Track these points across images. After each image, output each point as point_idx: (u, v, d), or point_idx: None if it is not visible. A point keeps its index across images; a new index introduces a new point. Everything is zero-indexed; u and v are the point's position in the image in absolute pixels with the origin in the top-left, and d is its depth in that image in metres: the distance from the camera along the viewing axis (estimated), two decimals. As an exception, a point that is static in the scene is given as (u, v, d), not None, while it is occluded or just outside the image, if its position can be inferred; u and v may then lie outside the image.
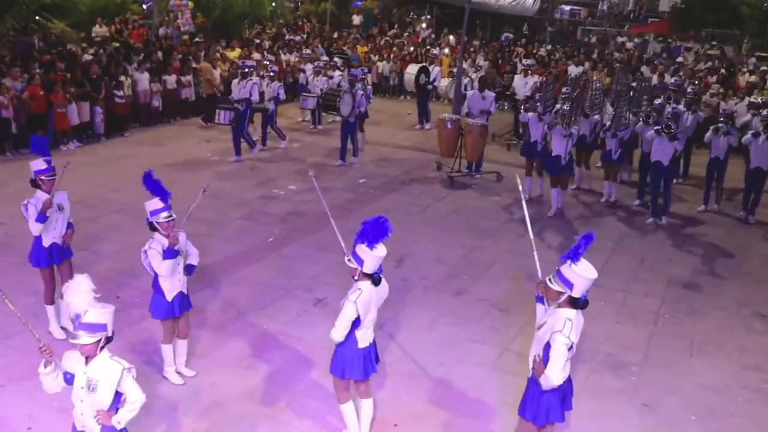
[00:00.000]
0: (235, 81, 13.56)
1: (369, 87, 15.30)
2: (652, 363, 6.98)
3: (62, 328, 6.68)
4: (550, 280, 4.55)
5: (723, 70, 20.69)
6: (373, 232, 4.84)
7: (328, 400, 5.95)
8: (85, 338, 4.00)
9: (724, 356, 7.21)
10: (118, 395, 4.07)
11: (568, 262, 4.45)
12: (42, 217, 6.35)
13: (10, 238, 8.88)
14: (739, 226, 11.45)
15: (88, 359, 4.07)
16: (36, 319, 6.47)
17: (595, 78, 16.19)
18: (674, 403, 6.33)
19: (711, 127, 11.87)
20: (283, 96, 15.04)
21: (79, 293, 4.08)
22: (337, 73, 16.51)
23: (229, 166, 13.03)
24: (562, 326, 4.40)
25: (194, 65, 16.97)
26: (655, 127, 10.89)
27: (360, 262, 4.89)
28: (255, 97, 13.42)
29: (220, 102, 13.65)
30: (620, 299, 8.34)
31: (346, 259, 5.01)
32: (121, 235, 9.15)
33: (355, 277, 4.98)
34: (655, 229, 10.96)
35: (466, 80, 17.31)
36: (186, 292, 6.09)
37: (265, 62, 16.26)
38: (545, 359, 4.51)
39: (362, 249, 4.86)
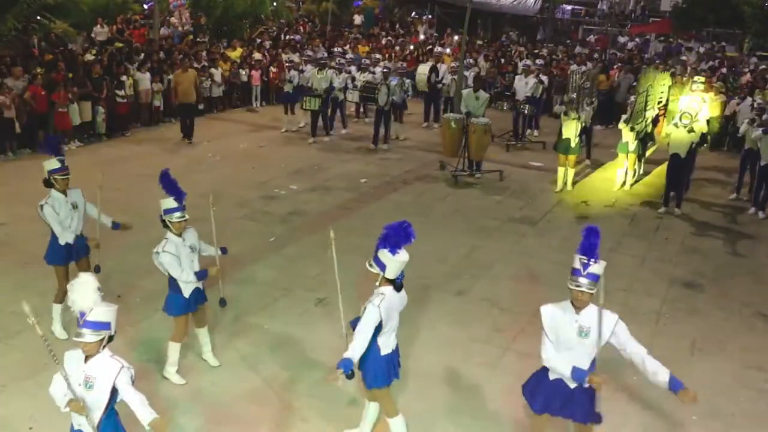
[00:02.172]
0: (314, 72, 15.05)
1: (408, 81, 16.56)
2: (654, 362, 6.96)
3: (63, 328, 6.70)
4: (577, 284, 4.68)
5: (724, 69, 20.68)
6: (396, 236, 4.77)
7: (328, 400, 5.95)
8: (90, 336, 4.01)
9: (725, 356, 7.21)
10: (114, 394, 4.07)
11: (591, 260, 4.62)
12: None
13: (11, 238, 8.86)
14: (745, 224, 11.45)
15: (88, 357, 4.07)
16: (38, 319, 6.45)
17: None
18: (675, 402, 6.30)
19: (745, 120, 12.51)
20: (351, 86, 16.23)
21: (85, 292, 4.09)
22: (378, 68, 17.52)
23: (228, 166, 13.02)
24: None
25: (195, 65, 16.87)
26: (674, 121, 11.32)
27: (382, 267, 4.81)
28: (336, 84, 15.15)
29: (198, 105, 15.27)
30: (621, 298, 8.31)
31: (367, 264, 4.90)
32: (122, 234, 9.08)
33: (377, 283, 4.89)
34: (657, 228, 10.96)
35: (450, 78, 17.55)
36: (201, 287, 6.17)
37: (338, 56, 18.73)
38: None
39: (384, 254, 4.78)
